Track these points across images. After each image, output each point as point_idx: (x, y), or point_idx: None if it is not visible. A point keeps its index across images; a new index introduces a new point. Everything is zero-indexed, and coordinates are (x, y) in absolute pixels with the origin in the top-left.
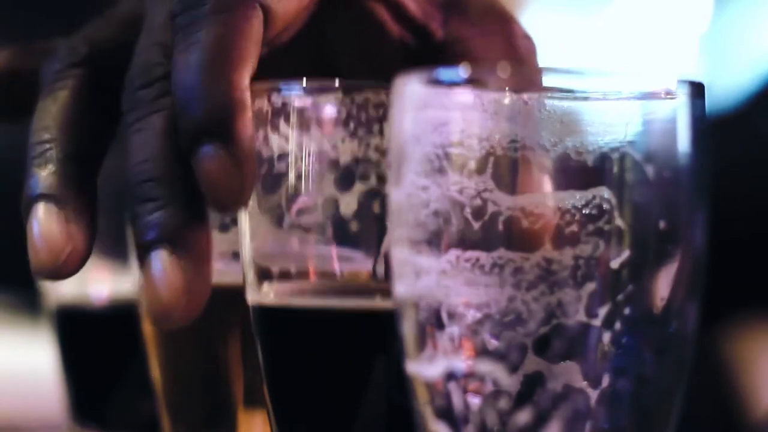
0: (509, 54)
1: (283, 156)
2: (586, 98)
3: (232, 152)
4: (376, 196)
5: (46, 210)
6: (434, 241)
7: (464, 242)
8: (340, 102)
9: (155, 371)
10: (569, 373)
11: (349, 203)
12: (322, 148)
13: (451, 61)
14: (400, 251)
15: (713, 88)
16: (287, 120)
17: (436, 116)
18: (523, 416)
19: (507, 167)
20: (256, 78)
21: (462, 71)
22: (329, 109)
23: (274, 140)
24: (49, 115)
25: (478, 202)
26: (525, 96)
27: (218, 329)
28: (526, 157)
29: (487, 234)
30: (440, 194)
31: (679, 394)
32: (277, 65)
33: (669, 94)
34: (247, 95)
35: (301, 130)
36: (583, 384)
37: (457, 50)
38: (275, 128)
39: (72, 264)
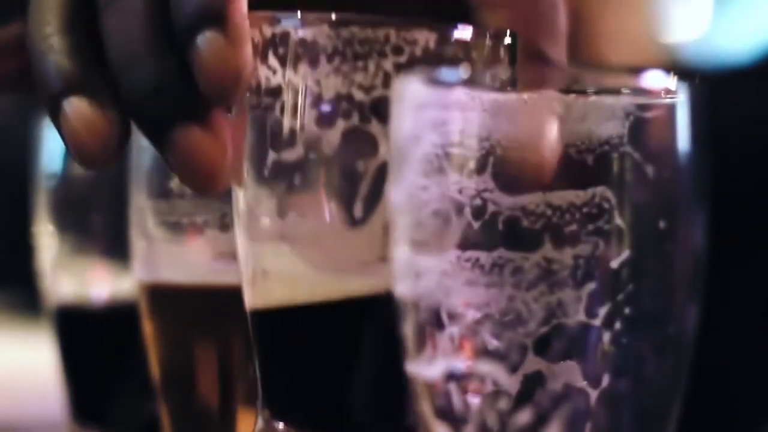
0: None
1: (270, 90)
2: (586, 97)
3: (229, 35)
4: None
5: (79, 102)
6: (434, 241)
7: (464, 242)
8: (326, 36)
9: (155, 371)
10: (569, 373)
11: (330, 141)
12: (307, 83)
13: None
14: (401, 251)
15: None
16: (275, 52)
17: (436, 116)
18: (523, 416)
19: (507, 167)
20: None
21: (462, 71)
22: (315, 43)
23: (262, 72)
24: (48, 9)
25: (478, 202)
26: (525, 95)
27: (218, 329)
28: (525, 157)
29: (487, 234)
30: (440, 194)
31: (679, 394)
32: None
33: (669, 94)
34: None
35: (288, 64)
36: (583, 384)
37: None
38: (264, 60)
39: (121, 148)
